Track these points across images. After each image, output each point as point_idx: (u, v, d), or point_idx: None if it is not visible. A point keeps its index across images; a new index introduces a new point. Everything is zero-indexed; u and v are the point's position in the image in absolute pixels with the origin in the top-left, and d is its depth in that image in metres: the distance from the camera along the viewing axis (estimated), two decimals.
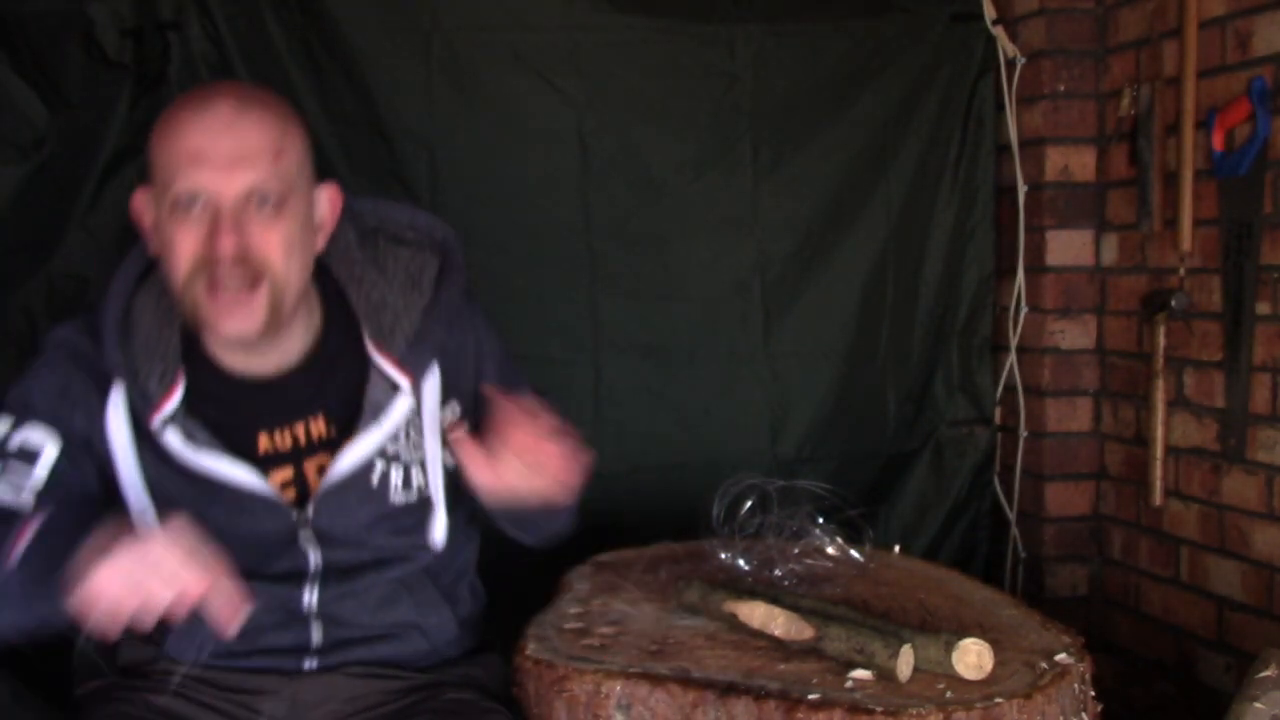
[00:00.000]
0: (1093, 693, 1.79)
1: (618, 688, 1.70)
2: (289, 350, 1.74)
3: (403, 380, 1.75)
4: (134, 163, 2.58)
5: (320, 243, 1.75)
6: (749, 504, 2.23)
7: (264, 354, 1.73)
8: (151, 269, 1.74)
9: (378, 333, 1.76)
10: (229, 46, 2.61)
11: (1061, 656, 1.76)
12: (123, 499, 1.72)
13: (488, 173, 2.73)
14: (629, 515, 2.52)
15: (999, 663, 1.71)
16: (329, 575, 1.79)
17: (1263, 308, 2.47)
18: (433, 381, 1.79)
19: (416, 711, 1.80)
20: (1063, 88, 2.95)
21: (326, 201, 1.75)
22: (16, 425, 1.68)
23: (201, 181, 1.59)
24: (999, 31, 2.99)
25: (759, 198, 2.90)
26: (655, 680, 1.69)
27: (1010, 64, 3.00)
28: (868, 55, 2.94)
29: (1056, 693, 1.67)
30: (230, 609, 1.46)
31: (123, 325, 1.70)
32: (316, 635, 1.81)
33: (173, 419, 1.68)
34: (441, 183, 2.71)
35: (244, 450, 1.72)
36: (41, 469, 1.65)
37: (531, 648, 1.84)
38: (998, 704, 1.61)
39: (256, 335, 1.65)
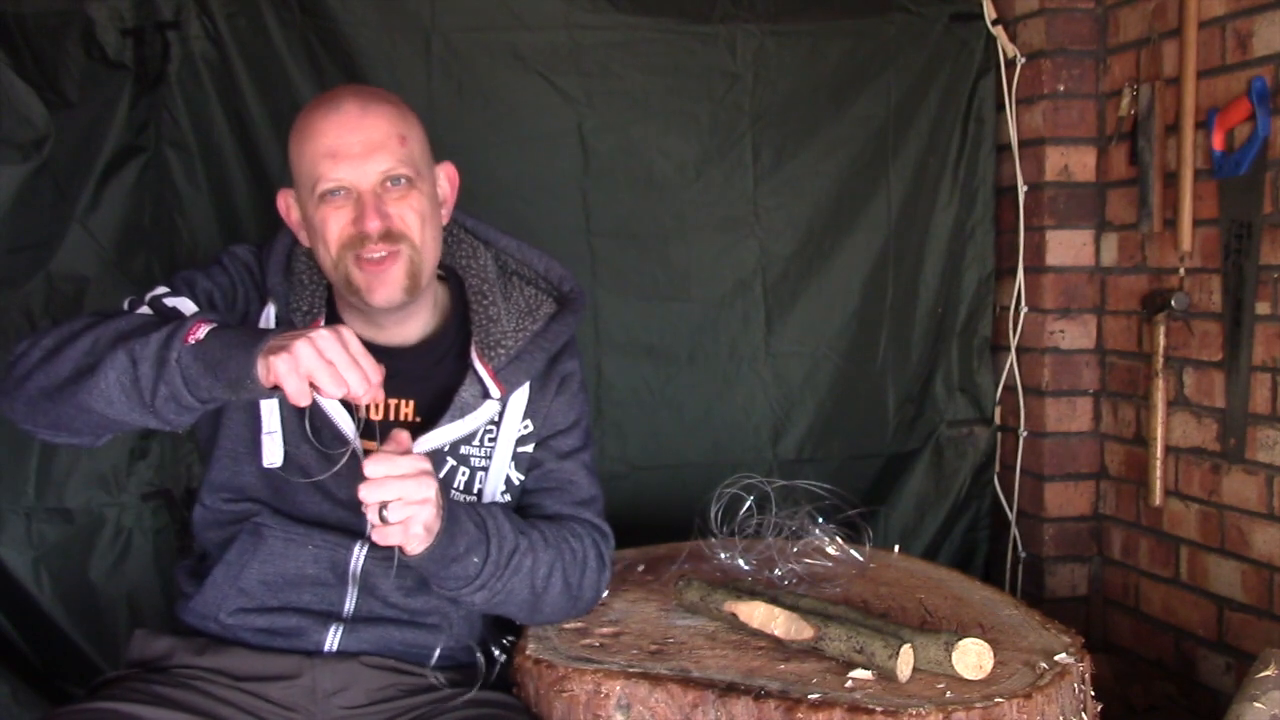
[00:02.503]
0: (1092, 693, 1.79)
1: (618, 688, 1.70)
2: (409, 331, 1.94)
3: (494, 389, 1.91)
4: (134, 162, 2.59)
5: (445, 216, 1.95)
6: (749, 504, 2.23)
7: (389, 328, 1.92)
8: None
9: (483, 343, 1.93)
10: (229, 46, 2.61)
11: (1061, 656, 1.76)
12: (254, 413, 1.88)
13: (488, 172, 2.73)
14: (629, 515, 2.51)
15: (999, 663, 1.71)
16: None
17: (1263, 308, 2.47)
18: (519, 400, 1.95)
19: (440, 711, 1.82)
20: (1063, 88, 2.95)
21: (445, 179, 1.96)
22: (174, 292, 1.84)
23: (341, 175, 1.80)
24: (999, 31, 3.00)
25: (759, 197, 2.91)
26: (655, 680, 1.69)
27: (1010, 64, 3.00)
28: (868, 55, 2.94)
29: (1056, 693, 1.67)
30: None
31: (285, 261, 1.94)
32: (350, 602, 1.88)
33: None
34: None
35: (346, 408, 1.85)
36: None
37: (531, 648, 1.84)
38: (998, 704, 1.61)
39: (401, 300, 1.84)
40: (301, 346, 1.54)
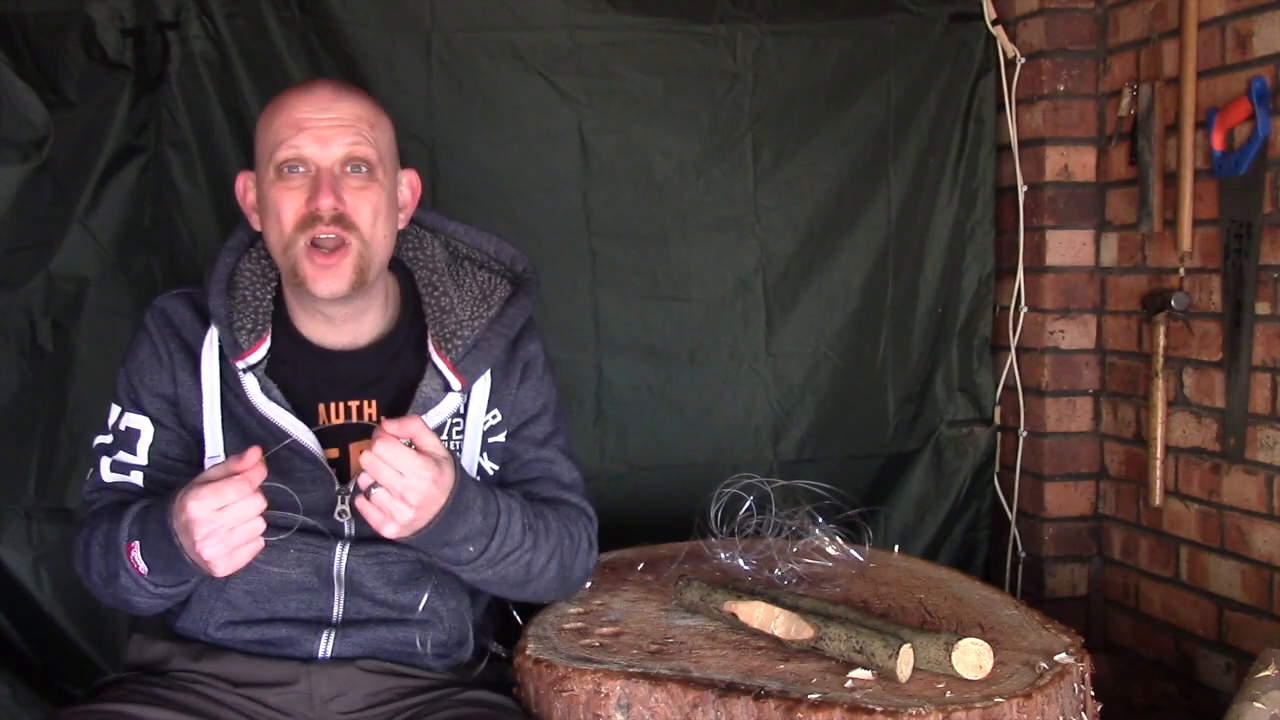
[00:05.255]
0: (1092, 693, 1.79)
1: (618, 688, 1.70)
2: (361, 330, 1.90)
3: (454, 382, 1.88)
4: (134, 162, 2.59)
5: (402, 222, 1.93)
6: (749, 504, 2.23)
7: (341, 325, 1.89)
8: (255, 241, 1.95)
9: (440, 335, 1.91)
10: (229, 46, 2.61)
11: (1061, 656, 1.76)
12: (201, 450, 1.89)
13: (488, 172, 2.73)
14: (629, 515, 2.52)
15: (999, 663, 1.71)
16: (360, 541, 1.87)
17: (1262, 308, 2.47)
18: (482, 389, 1.93)
19: (433, 710, 1.82)
20: (1063, 88, 2.95)
21: (408, 185, 1.94)
22: (123, 411, 1.90)
23: (304, 148, 1.78)
24: (999, 31, 3.00)
25: (760, 197, 2.91)
26: (655, 680, 1.69)
27: (1010, 64, 3.00)
28: (868, 55, 2.94)
29: (1056, 693, 1.67)
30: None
31: (228, 281, 1.90)
32: (338, 606, 1.87)
33: (253, 369, 1.84)
34: (442, 182, 2.71)
35: (304, 418, 1.85)
36: (142, 447, 1.88)
37: (531, 648, 1.84)
38: (998, 704, 1.61)
39: (346, 293, 1.80)
40: (212, 552, 1.60)
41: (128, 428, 1.88)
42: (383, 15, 2.69)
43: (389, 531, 1.67)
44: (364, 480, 1.64)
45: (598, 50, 2.79)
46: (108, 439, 1.90)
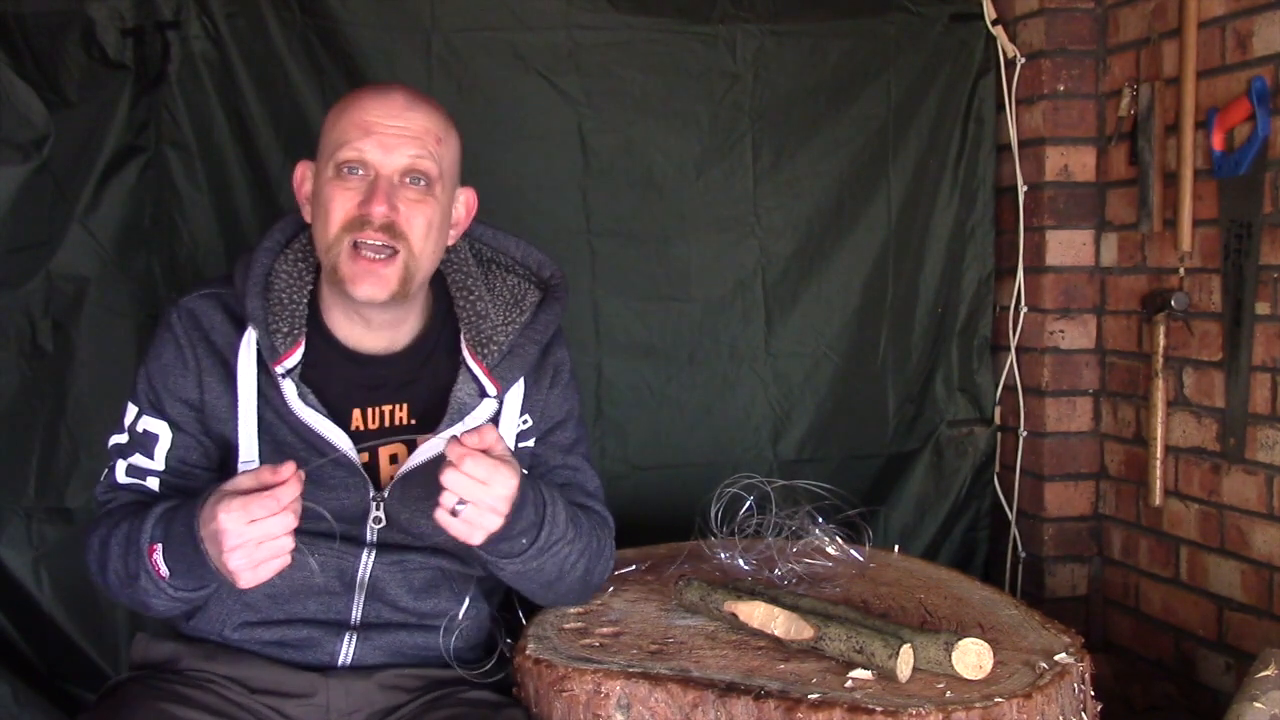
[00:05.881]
0: (1092, 693, 1.79)
1: (618, 688, 1.70)
2: (397, 335, 1.89)
3: (490, 388, 1.88)
4: (134, 162, 2.59)
5: (452, 238, 1.92)
6: (749, 504, 2.23)
7: (378, 331, 1.88)
8: (293, 239, 1.94)
9: (475, 340, 1.90)
10: (229, 46, 2.61)
11: (1061, 656, 1.77)
12: (232, 451, 1.86)
13: (488, 172, 2.72)
14: (629, 515, 2.52)
15: (999, 663, 1.71)
16: (385, 548, 1.86)
17: (1262, 308, 2.47)
18: (516, 394, 1.93)
19: (435, 707, 1.82)
20: (1063, 88, 2.95)
21: (463, 204, 1.93)
22: (141, 413, 1.87)
23: (366, 153, 1.77)
24: (999, 31, 3.00)
25: (760, 197, 2.91)
26: (655, 680, 1.70)
27: (1010, 64, 3.00)
28: (868, 55, 2.94)
29: (1056, 692, 1.67)
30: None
31: (264, 282, 1.86)
32: (357, 610, 1.87)
33: (290, 373, 1.82)
34: None
35: (338, 422, 1.84)
36: (159, 452, 1.86)
37: (531, 648, 1.84)
38: (997, 704, 1.61)
39: (385, 300, 1.79)
40: (238, 564, 1.59)
41: (145, 431, 1.86)
42: (383, 15, 2.69)
43: (476, 540, 1.68)
44: (449, 500, 1.64)
45: (598, 50, 2.79)
46: (123, 439, 1.87)
